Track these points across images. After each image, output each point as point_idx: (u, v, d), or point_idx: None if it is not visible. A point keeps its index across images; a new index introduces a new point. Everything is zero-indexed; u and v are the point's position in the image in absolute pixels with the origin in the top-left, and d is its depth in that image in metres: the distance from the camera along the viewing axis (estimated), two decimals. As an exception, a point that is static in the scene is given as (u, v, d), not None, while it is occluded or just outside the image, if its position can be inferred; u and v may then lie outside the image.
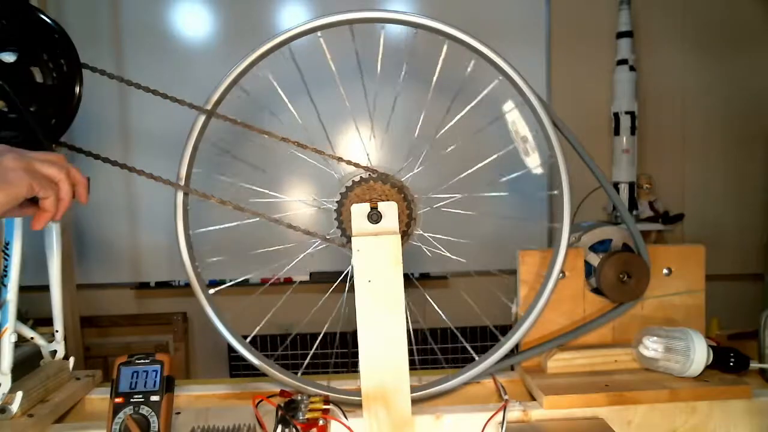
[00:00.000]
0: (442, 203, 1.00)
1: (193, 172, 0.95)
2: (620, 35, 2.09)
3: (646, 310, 1.03)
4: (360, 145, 1.02)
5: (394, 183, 0.93)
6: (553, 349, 1.00)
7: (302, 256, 1.01)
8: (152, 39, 2.12)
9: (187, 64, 2.11)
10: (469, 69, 0.94)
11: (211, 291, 0.95)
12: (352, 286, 0.84)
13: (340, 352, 2.11)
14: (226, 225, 0.98)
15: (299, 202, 1.05)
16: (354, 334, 0.84)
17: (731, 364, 0.94)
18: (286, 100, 0.99)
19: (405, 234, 0.93)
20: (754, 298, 2.23)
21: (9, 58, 0.83)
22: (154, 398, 0.77)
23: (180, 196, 0.93)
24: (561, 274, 0.99)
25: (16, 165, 0.68)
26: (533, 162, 0.91)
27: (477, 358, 0.96)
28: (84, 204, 0.76)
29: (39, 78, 0.85)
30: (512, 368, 1.05)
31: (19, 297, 0.89)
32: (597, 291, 1.04)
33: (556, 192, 0.94)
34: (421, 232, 0.95)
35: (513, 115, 0.90)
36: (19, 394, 0.84)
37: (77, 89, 0.87)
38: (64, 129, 0.87)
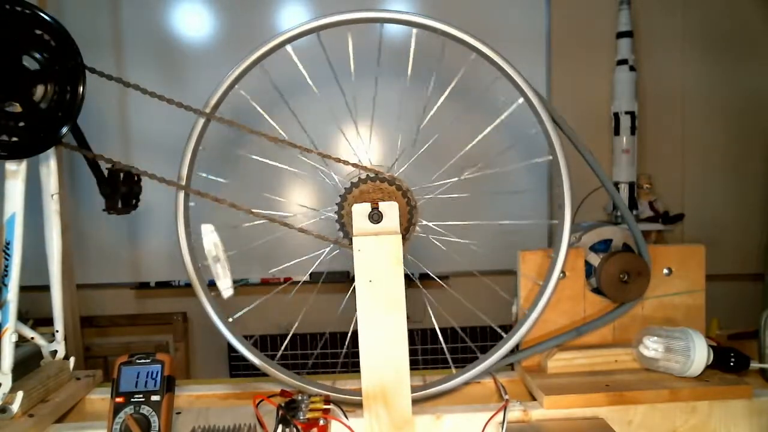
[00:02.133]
0: (437, 189, 1.00)
1: (197, 174, 0.95)
2: (620, 35, 2.09)
3: (646, 310, 1.03)
4: (359, 146, 1.02)
5: (396, 182, 0.92)
6: (553, 349, 1.00)
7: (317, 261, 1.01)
8: (152, 41, 2.12)
9: (187, 66, 2.11)
10: (463, 68, 0.94)
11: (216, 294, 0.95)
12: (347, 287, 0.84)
13: (341, 352, 2.11)
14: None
15: (301, 213, 1.05)
16: (354, 333, 0.85)
17: (731, 364, 0.94)
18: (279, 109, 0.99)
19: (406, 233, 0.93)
20: (754, 298, 2.23)
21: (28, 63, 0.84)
22: (155, 398, 0.77)
23: (181, 195, 0.93)
24: (561, 274, 0.99)
25: None
26: (225, 284, 0.89)
27: (480, 356, 0.96)
28: None
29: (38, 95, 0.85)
30: (512, 368, 1.05)
31: (19, 297, 0.89)
32: (597, 291, 1.04)
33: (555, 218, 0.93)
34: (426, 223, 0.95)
35: (207, 239, 0.89)
36: (20, 394, 0.84)
37: (80, 90, 0.87)
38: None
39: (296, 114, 1.01)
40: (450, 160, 1.04)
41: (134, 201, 0.96)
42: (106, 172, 0.94)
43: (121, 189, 0.93)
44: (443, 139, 1.03)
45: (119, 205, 0.94)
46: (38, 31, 0.84)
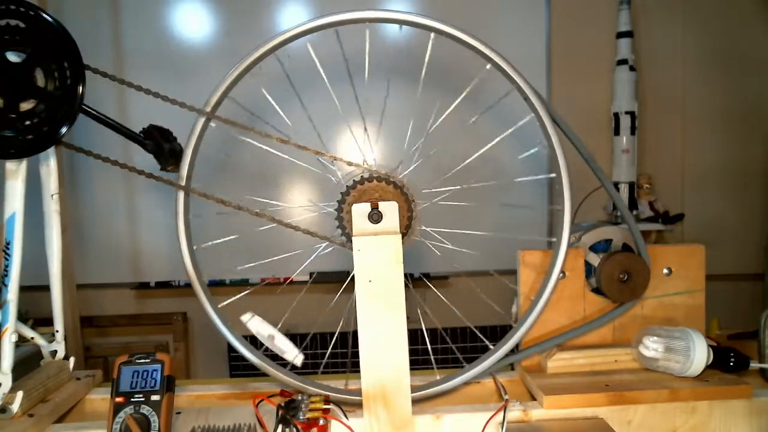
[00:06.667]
0: (439, 198, 1.00)
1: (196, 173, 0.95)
2: (620, 35, 2.09)
3: (646, 310, 1.03)
4: (359, 144, 1.02)
5: (395, 182, 0.92)
6: (553, 349, 1.00)
7: (310, 258, 1.01)
8: (152, 41, 2.12)
9: (187, 66, 2.11)
10: (477, 76, 0.94)
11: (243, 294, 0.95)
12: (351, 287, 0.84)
13: (340, 351, 2.11)
14: (230, 237, 0.98)
15: (300, 208, 1.05)
16: (354, 333, 0.85)
17: (731, 363, 0.94)
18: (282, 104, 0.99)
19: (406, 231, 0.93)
20: (754, 298, 2.23)
21: (15, 58, 0.84)
22: (155, 398, 0.77)
23: (181, 196, 0.93)
24: (561, 274, 0.99)
25: None
26: (292, 354, 0.88)
27: (465, 366, 0.96)
28: None
29: (41, 81, 0.85)
30: (512, 368, 1.05)
31: (19, 297, 0.89)
32: (597, 291, 1.04)
33: (558, 208, 0.93)
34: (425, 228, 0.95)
35: (252, 325, 0.89)
36: (20, 394, 0.84)
37: (80, 90, 0.87)
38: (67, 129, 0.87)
39: (295, 112, 1.01)
40: (446, 160, 1.04)
41: (179, 152, 0.94)
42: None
43: (164, 144, 0.92)
44: (440, 142, 1.03)
45: (171, 158, 0.92)
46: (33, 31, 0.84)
